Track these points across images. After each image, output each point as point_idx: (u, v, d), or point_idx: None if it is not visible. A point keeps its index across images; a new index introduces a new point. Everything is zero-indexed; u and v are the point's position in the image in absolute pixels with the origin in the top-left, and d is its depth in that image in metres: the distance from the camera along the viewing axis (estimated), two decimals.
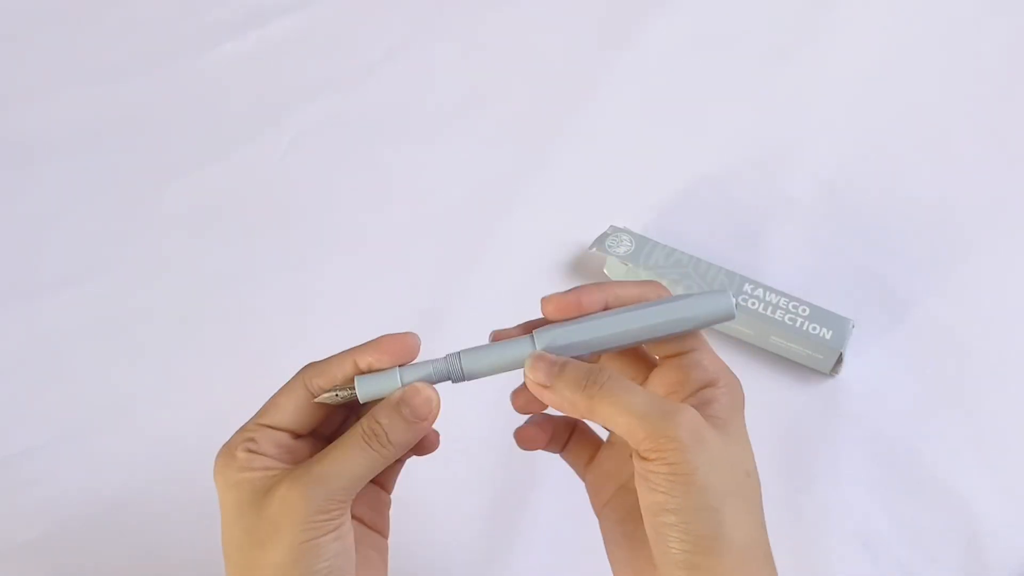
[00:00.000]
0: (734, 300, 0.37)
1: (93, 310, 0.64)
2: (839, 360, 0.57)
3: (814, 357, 0.58)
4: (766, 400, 0.58)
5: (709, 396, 0.36)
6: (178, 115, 0.75)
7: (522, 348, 0.37)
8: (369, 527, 0.40)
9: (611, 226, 0.63)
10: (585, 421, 0.42)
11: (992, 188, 0.68)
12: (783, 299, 0.59)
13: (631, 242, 0.62)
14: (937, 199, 0.67)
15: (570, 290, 0.38)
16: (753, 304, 0.58)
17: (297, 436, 0.38)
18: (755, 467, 0.36)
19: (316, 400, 0.37)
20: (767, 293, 0.59)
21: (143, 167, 0.72)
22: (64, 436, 0.58)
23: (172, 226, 0.68)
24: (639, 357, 0.40)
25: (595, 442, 0.42)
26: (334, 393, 0.37)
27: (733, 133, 0.72)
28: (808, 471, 0.55)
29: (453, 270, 0.65)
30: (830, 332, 0.57)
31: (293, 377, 0.38)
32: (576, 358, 0.37)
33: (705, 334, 0.38)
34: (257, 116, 0.74)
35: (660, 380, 0.38)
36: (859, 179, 0.69)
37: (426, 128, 0.73)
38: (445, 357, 0.37)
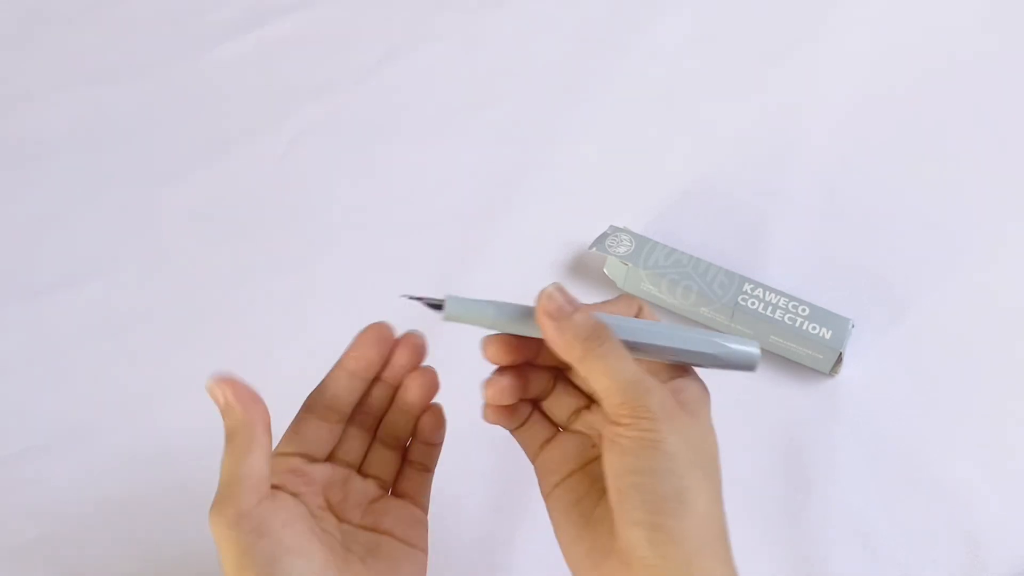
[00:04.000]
0: (758, 353, 0.40)
1: (93, 310, 0.64)
2: (839, 360, 0.57)
3: (814, 357, 0.58)
4: (766, 400, 0.58)
5: (680, 386, 0.39)
6: (178, 115, 0.75)
7: None
8: (401, 541, 0.43)
9: (611, 226, 0.63)
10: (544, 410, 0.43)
11: (992, 188, 0.68)
12: (783, 299, 0.59)
13: (631, 242, 0.62)
14: (937, 199, 0.67)
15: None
16: (753, 304, 0.58)
17: (313, 460, 0.42)
18: (718, 453, 0.38)
19: (407, 296, 0.40)
20: (767, 293, 0.59)
21: (143, 167, 0.72)
22: (64, 436, 0.58)
23: (172, 226, 0.68)
24: None
25: (552, 427, 0.43)
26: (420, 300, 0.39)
27: (733, 133, 0.72)
28: (808, 471, 0.55)
29: (453, 270, 0.65)
30: (830, 332, 0.57)
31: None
32: None
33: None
34: (257, 116, 0.74)
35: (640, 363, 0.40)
36: (859, 179, 0.69)
37: (426, 128, 0.73)
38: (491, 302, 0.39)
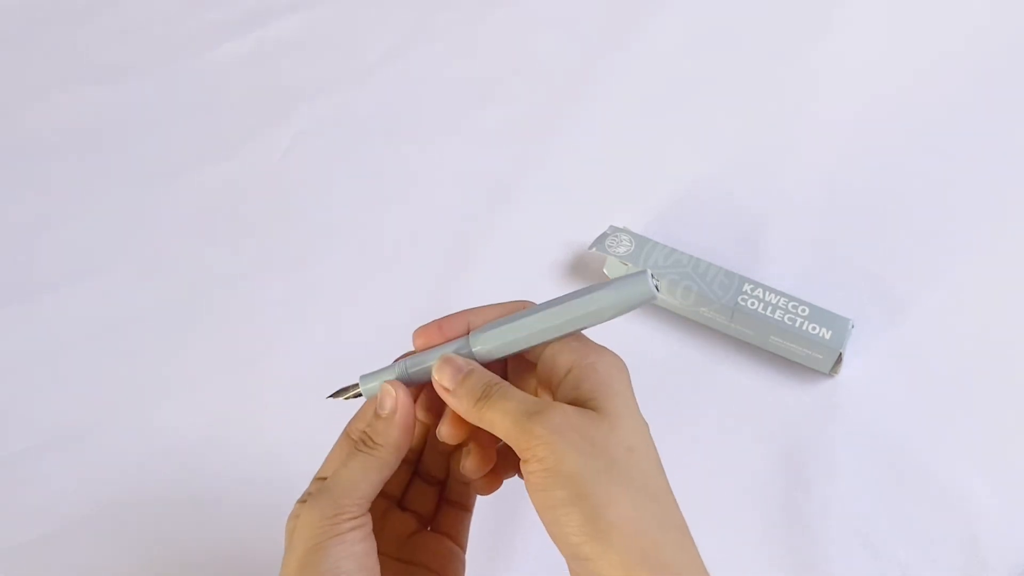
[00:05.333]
0: (653, 281, 0.37)
1: (93, 310, 0.64)
2: (839, 360, 0.57)
3: (814, 357, 0.58)
4: (766, 400, 0.58)
5: (576, 377, 0.37)
6: (178, 115, 0.75)
7: (459, 348, 0.39)
8: (437, 574, 0.42)
9: (611, 226, 0.63)
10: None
11: (992, 188, 0.68)
12: (783, 299, 0.59)
13: (631, 242, 0.62)
14: (937, 199, 0.67)
15: (432, 321, 0.40)
16: (753, 304, 0.58)
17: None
18: (642, 440, 0.36)
19: (328, 396, 0.41)
20: (767, 293, 0.59)
21: (143, 167, 0.72)
22: (64, 436, 0.58)
23: (172, 226, 0.68)
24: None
25: None
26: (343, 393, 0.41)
27: (733, 133, 0.72)
28: (808, 471, 0.55)
29: (453, 270, 0.65)
30: (829, 332, 0.57)
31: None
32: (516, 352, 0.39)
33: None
34: (257, 116, 0.74)
35: (539, 380, 0.39)
36: (859, 179, 0.69)
37: (426, 128, 0.74)
38: (395, 362, 0.40)
